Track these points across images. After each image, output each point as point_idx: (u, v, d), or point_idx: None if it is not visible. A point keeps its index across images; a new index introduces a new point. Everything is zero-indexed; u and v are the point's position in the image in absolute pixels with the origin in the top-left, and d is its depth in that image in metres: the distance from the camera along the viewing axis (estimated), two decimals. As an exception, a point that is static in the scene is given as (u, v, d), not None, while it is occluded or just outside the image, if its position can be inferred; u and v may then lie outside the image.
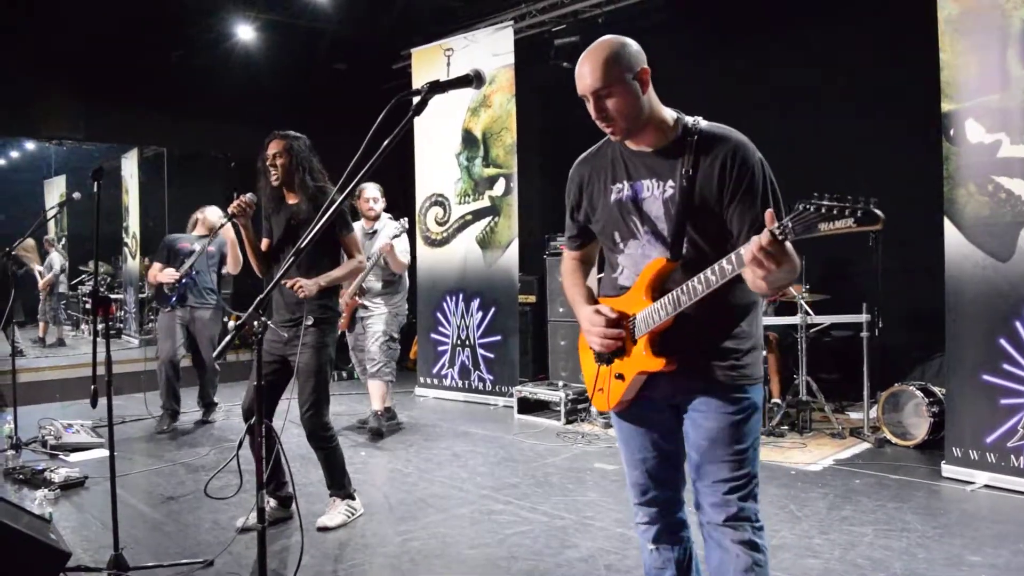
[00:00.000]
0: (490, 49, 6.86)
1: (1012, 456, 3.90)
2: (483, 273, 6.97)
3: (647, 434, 2.06)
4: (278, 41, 8.11)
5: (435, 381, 7.31)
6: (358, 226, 5.13)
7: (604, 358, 2.02)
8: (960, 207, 4.10)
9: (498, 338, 6.82)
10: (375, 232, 5.56)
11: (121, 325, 10.47)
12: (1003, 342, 3.93)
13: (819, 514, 3.69)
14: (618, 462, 4.50)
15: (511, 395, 6.43)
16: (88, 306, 10.50)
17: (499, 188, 6.86)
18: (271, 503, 3.65)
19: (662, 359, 1.90)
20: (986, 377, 3.99)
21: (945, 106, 4.11)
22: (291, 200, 3.63)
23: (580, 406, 5.99)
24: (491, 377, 6.85)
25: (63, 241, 11.92)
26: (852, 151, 5.76)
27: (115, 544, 2.94)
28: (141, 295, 9.94)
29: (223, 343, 1.89)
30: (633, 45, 1.92)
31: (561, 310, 6.70)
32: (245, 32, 7.83)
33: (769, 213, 1.65)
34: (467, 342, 7.05)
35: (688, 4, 6.48)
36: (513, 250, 6.77)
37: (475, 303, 6.99)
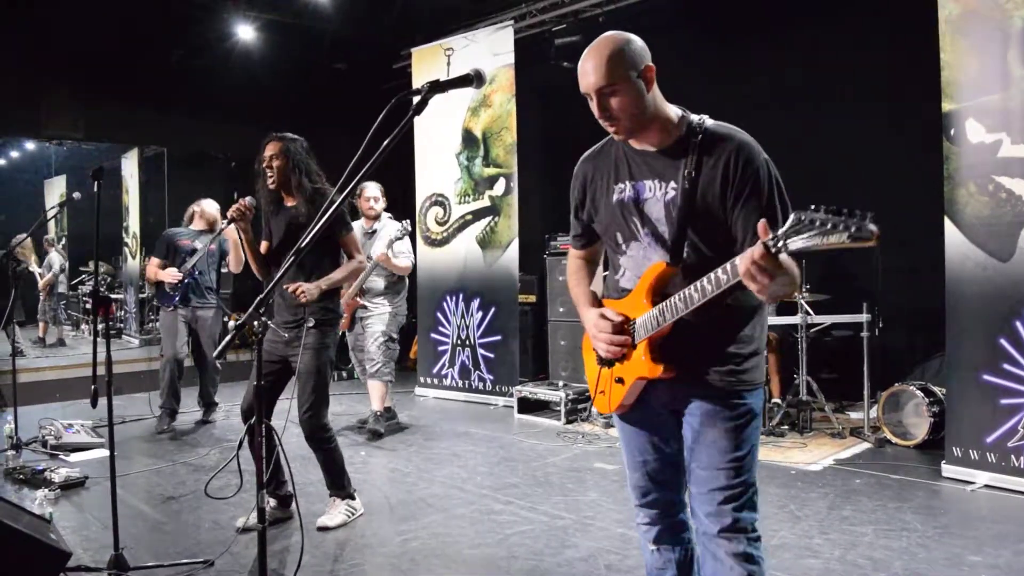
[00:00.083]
0: (490, 49, 6.86)
1: (1012, 456, 3.90)
2: (483, 273, 6.97)
3: (648, 437, 2.04)
4: (278, 41, 8.11)
5: (435, 381, 7.31)
6: (357, 225, 5.12)
7: (606, 361, 1.99)
8: (960, 207, 4.09)
9: (498, 338, 6.82)
10: (374, 232, 5.56)
11: (121, 325, 10.47)
12: (1003, 342, 3.93)
13: (819, 514, 3.69)
14: (618, 462, 4.51)
15: (511, 395, 6.43)
16: (88, 306, 10.52)
17: (499, 188, 6.86)
18: (271, 503, 3.64)
19: (660, 366, 1.87)
20: (986, 377, 3.99)
21: (945, 106, 4.11)
22: (289, 202, 3.62)
23: (580, 406, 5.99)
24: (491, 377, 6.85)
25: (63, 241, 11.93)
26: (852, 151, 5.76)
27: (115, 544, 2.94)
28: (141, 295, 9.95)
29: (224, 342, 1.89)
30: (638, 41, 1.86)
31: (561, 310, 6.70)
32: (245, 32, 7.83)
33: (762, 224, 1.57)
34: (467, 342, 7.05)
35: (688, 4, 6.48)
36: (513, 250, 6.77)
37: (475, 303, 6.99)
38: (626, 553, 3.22)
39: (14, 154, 12.30)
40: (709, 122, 1.89)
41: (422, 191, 7.57)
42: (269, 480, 3.41)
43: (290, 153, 3.54)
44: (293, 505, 3.64)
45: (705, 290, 1.73)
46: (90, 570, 3.04)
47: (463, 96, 7.05)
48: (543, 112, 7.73)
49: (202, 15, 7.64)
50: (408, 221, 5.55)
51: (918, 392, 4.74)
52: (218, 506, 3.71)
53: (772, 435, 5.09)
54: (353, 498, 3.72)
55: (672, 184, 1.87)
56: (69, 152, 10.76)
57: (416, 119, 1.80)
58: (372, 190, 5.55)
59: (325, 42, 8.39)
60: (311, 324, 3.45)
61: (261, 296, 1.95)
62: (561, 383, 6.34)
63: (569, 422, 5.87)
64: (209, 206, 5.95)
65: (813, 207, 1.47)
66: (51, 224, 11.50)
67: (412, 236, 5.68)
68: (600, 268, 2.27)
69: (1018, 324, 3.88)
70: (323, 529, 3.53)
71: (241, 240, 3.56)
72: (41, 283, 10.39)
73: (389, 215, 5.70)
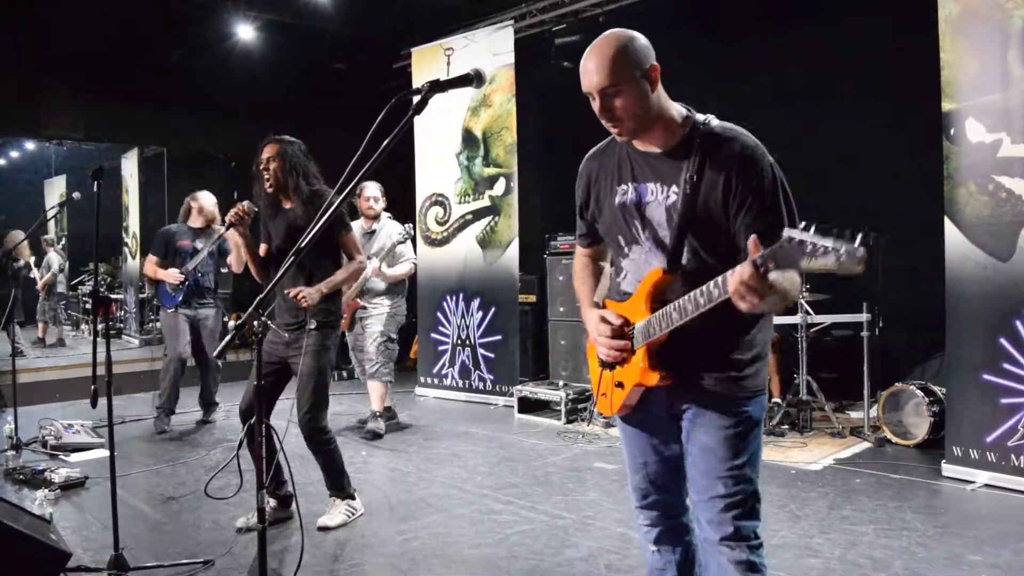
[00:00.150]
0: (490, 48, 6.85)
1: (1012, 455, 3.90)
2: (483, 273, 6.97)
3: (649, 439, 2.02)
4: (278, 41, 8.11)
5: (435, 381, 7.31)
6: (356, 225, 5.12)
7: (607, 364, 1.98)
8: (960, 207, 4.09)
9: (498, 338, 6.82)
10: (373, 232, 5.56)
11: (121, 325, 10.47)
12: (1003, 341, 3.93)
13: (819, 513, 3.69)
14: (618, 461, 4.51)
15: (511, 395, 6.43)
16: (88, 306, 10.52)
17: (499, 188, 6.86)
18: (271, 503, 3.64)
19: (657, 373, 1.84)
20: (986, 376, 3.99)
21: (945, 106, 4.11)
22: (287, 205, 3.60)
23: (580, 406, 5.99)
24: (491, 377, 6.85)
25: (63, 241, 11.93)
26: (852, 151, 5.76)
27: (115, 544, 2.94)
28: (141, 295, 9.95)
29: (224, 341, 1.90)
30: (642, 40, 1.81)
31: (561, 309, 6.70)
32: (245, 32, 7.83)
33: (753, 241, 1.53)
34: (467, 342, 7.05)
35: (688, 4, 6.48)
36: (513, 250, 6.77)
37: (475, 303, 6.99)
38: (626, 553, 3.22)
39: (14, 154, 12.32)
40: (715, 123, 1.84)
41: (422, 191, 7.57)
42: (269, 480, 3.42)
43: (287, 155, 3.51)
44: (293, 505, 3.63)
45: (698, 303, 1.70)
46: (90, 570, 3.04)
47: (463, 96, 7.05)
48: (543, 112, 7.73)
49: (202, 15, 7.64)
50: (410, 224, 5.55)
51: (918, 392, 4.74)
52: (218, 506, 3.71)
53: (772, 435, 5.09)
54: (353, 498, 3.72)
55: (674, 188, 1.82)
56: (69, 152, 10.77)
57: (416, 119, 1.79)
58: (372, 190, 5.54)
59: (325, 42, 8.39)
60: (312, 326, 3.45)
61: (261, 296, 1.95)
62: (561, 383, 6.33)
63: (569, 422, 5.87)
64: (206, 200, 5.81)
65: (803, 224, 1.44)
66: (51, 224, 11.50)
67: (412, 237, 5.68)
68: (608, 267, 2.24)
69: (1018, 324, 3.88)
70: (323, 529, 3.53)
71: (241, 244, 3.56)
72: (40, 283, 10.38)
73: (389, 215, 5.70)
